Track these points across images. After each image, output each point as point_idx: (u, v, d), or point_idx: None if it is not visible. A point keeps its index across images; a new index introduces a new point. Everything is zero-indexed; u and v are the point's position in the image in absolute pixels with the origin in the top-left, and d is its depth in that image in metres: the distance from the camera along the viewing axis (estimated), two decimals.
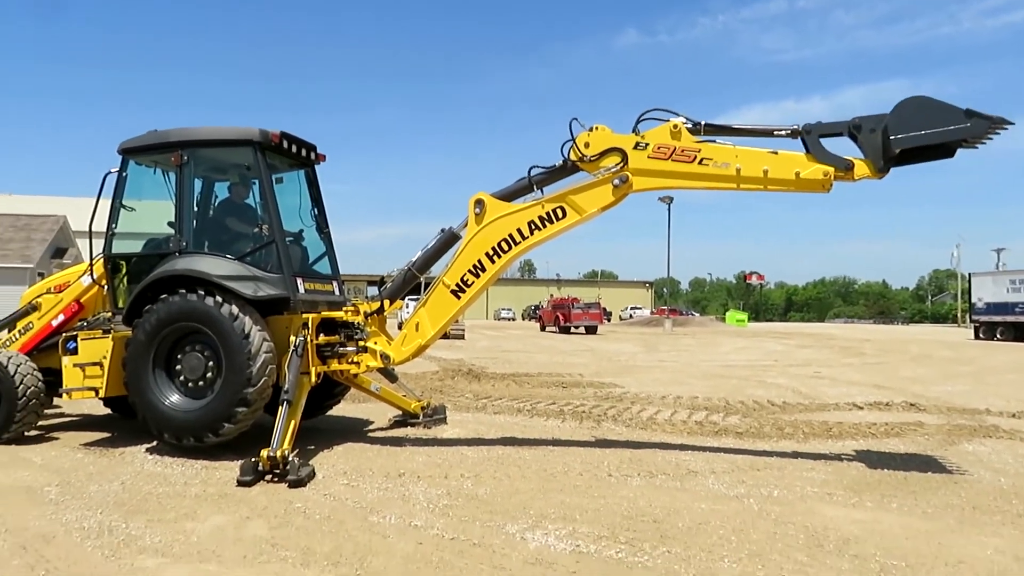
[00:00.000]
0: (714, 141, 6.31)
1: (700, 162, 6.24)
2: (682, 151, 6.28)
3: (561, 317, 41.21)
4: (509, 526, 4.77)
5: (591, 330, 40.73)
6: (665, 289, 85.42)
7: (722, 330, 50.29)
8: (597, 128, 6.60)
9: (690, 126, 6.33)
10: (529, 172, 6.87)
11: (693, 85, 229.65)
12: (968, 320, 41.54)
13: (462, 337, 30.09)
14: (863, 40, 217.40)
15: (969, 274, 43.74)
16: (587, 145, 6.57)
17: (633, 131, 6.54)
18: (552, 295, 51.48)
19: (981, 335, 38.51)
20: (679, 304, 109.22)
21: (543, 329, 44.13)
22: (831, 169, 6.01)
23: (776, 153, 6.17)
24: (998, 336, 37.15)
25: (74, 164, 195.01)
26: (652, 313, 72.17)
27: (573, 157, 6.62)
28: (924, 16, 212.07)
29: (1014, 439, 8.18)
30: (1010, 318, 36.97)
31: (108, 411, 8.82)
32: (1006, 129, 5.70)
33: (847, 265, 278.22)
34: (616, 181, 6.50)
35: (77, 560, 4.09)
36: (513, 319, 78.08)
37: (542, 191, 6.88)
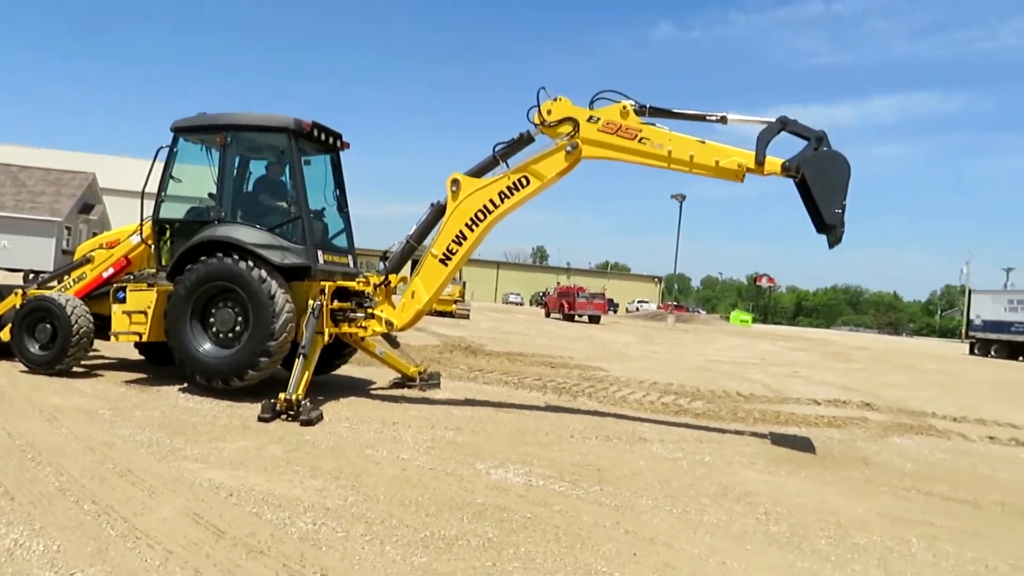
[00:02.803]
0: (654, 124, 7.37)
1: (640, 140, 7.34)
2: (626, 129, 7.37)
3: (566, 305, 42.28)
4: (478, 464, 5.87)
5: (594, 319, 41.78)
6: (675, 285, 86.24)
7: (724, 329, 51.15)
8: (559, 99, 7.67)
9: (637, 108, 7.42)
10: (494, 148, 7.98)
11: (724, 82, 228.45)
12: (964, 336, 42.20)
13: (467, 317, 31.21)
14: (898, 49, 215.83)
15: (969, 291, 44.48)
16: (549, 112, 7.63)
17: (589, 106, 7.62)
18: (559, 283, 52.42)
19: (976, 351, 39.32)
20: (688, 301, 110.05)
21: (548, 315, 45.22)
22: (747, 162, 7.07)
23: (703, 143, 7.27)
24: (992, 353, 37.93)
25: (107, 121, 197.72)
26: (658, 308, 73.02)
27: (536, 121, 7.68)
28: (963, 29, 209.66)
29: (940, 437, 9.20)
30: (1005, 336, 37.74)
31: (141, 358, 10.01)
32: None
33: (860, 273, 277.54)
34: (568, 148, 7.59)
35: (135, 461, 5.21)
36: (521, 304, 79.14)
37: (507, 164, 7.98)
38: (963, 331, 42.51)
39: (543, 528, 4.43)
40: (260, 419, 6.84)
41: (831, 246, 7.16)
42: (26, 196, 33.66)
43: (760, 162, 7.07)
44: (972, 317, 40.57)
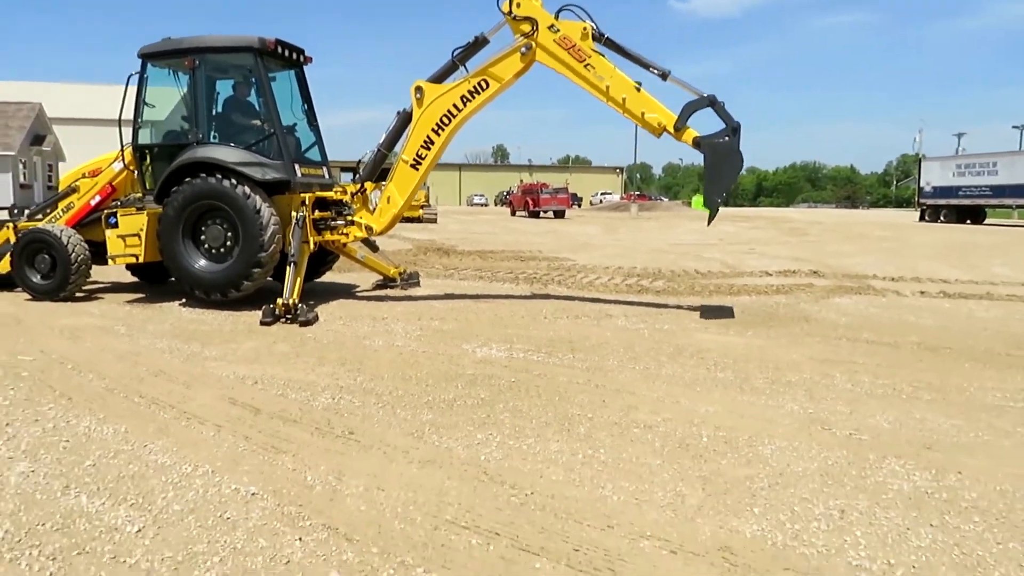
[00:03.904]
0: (604, 55, 7.88)
1: (586, 66, 7.85)
2: (578, 50, 7.86)
3: (530, 202, 42.86)
4: (464, 345, 6.65)
5: (559, 214, 42.49)
6: (637, 175, 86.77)
7: (687, 214, 52.12)
8: None
9: (595, 33, 7.88)
10: (452, 53, 8.41)
11: None
12: (917, 204, 43.71)
13: (434, 221, 31.68)
14: None
15: (920, 159, 45.75)
16: (518, 5, 8.04)
17: (555, 16, 8.03)
18: (522, 181, 52.73)
19: (927, 218, 40.88)
20: (651, 190, 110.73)
21: (513, 214, 45.75)
22: (667, 123, 7.72)
23: (639, 90, 7.83)
24: (942, 219, 39.52)
25: (50, 50, 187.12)
26: (621, 199, 73.79)
27: (504, 9, 8.08)
28: None
29: (878, 295, 10.20)
30: (953, 201, 39.26)
31: (134, 280, 10.53)
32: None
33: (818, 150, 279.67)
34: (523, 49, 8.09)
35: (163, 364, 5.90)
36: (486, 205, 79.37)
37: (466, 68, 8.45)
38: (916, 200, 43.98)
39: (526, 388, 5.25)
40: (262, 323, 7.51)
41: (708, 223, 8.37)
42: None
43: (678, 128, 7.73)
44: (923, 184, 41.95)
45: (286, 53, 8.81)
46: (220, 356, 6.16)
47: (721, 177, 7.76)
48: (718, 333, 7.39)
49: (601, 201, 77.70)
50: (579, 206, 68.97)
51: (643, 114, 7.82)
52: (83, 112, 45.57)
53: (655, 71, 7.88)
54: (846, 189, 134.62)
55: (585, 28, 7.89)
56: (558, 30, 7.92)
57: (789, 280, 11.74)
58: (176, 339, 6.82)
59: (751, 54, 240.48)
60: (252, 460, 3.81)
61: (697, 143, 7.75)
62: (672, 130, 7.77)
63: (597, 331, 7.39)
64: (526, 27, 8.00)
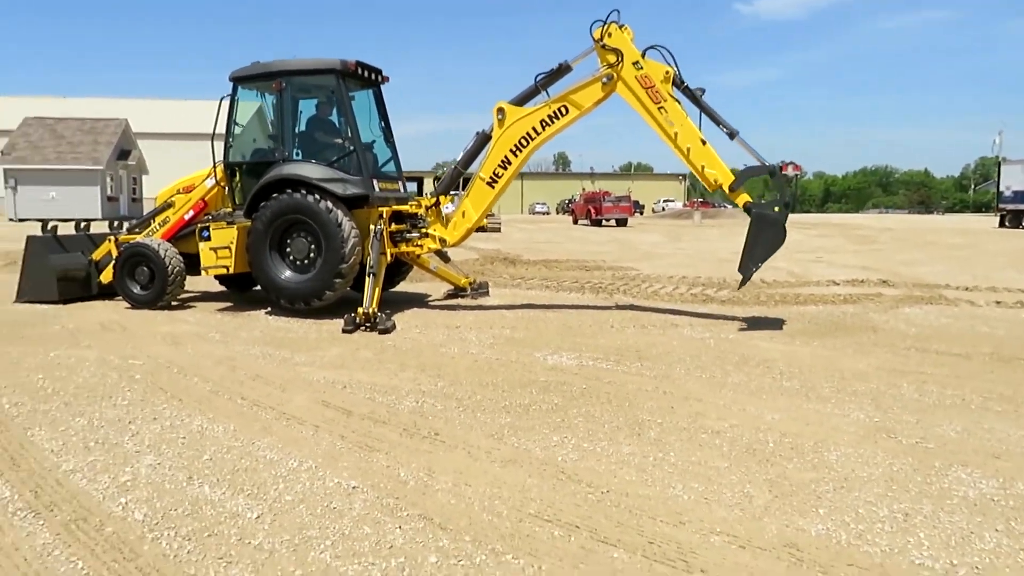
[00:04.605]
0: (680, 102, 8.12)
1: (660, 108, 8.10)
2: (656, 91, 8.10)
3: (592, 210, 42.99)
4: (536, 353, 6.95)
5: (621, 222, 42.49)
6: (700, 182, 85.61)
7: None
8: (625, 28, 8.34)
9: (676, 79, 8.13)
10: (536, 78, 8.75)
11: None
12: (996, 209, 42.11)
13: (498, 230, 32.14)
14: None
15: (1000, 161, 44.04)
16: (610, 35, 8.32)
17: (642, 53, 8.29)
18: (584, 189, 52.89)
19: (1007, 224, 39.33)
20: (714, 197, 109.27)
21: (575, 222, 45.98)
22: (724, 182, 7.98)
23: (704, 143, 8.08)
24: (1023, 225, 38.03)
25: (135, 66, 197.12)
26: (684, 206, 73.15)
27: (595, 35, 8.37)
28: None
29: (950, 305, 10.09)
30: None
31: (221, 290, 11.20)
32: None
33: (889, 154, 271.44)
34: (604, 79, 8.35)
35: (259, 368, 6.37)
36: (547, 213, 79.70)
37: (548, 93, 8.77)
38: (995, 204, 42.38)
39: (597, 395, 5.51)
40: (344, 331, 7.96)
41: (739, 287, 8.71)
42: (66, 147, 34.81)
43: (733, 189, 8.01)
44: (1002, 189, 40.38)
45: (365, 74, 9.31)
46: (309, 362, 6.61)
47: (761, 247, 8.00)
48: (784, 343, 7.50)
49: (664, 208, 77.18)
50: (641, 213, 68.69)
51: (703, 168, 8.08)
52: (165, 127, 47.84)
53: (724, 129, 8.11)
54: (920, 194, 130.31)
55: (668, 72, 8.13)
56: (642, 68, 8.17)
57: (857, 289, 11.67)
58: (267, 346, 7.31)
59: (817, 56, 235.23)
60: (349, 457, 4.18)
61: (748, 209, 8.00)
62: (727, 189, 8.06)
63: (663, 340, 7.59)
64: (612, 58, 8.28)
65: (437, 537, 3.20)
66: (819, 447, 4.36)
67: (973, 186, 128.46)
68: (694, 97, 8.23)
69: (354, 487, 3.74)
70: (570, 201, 63.80)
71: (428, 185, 72.99)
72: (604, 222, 42.55)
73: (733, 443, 4.43)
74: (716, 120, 8.15)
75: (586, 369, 6.33)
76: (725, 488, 3.75)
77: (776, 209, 7.93)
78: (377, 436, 4.56)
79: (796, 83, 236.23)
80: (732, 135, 8.10)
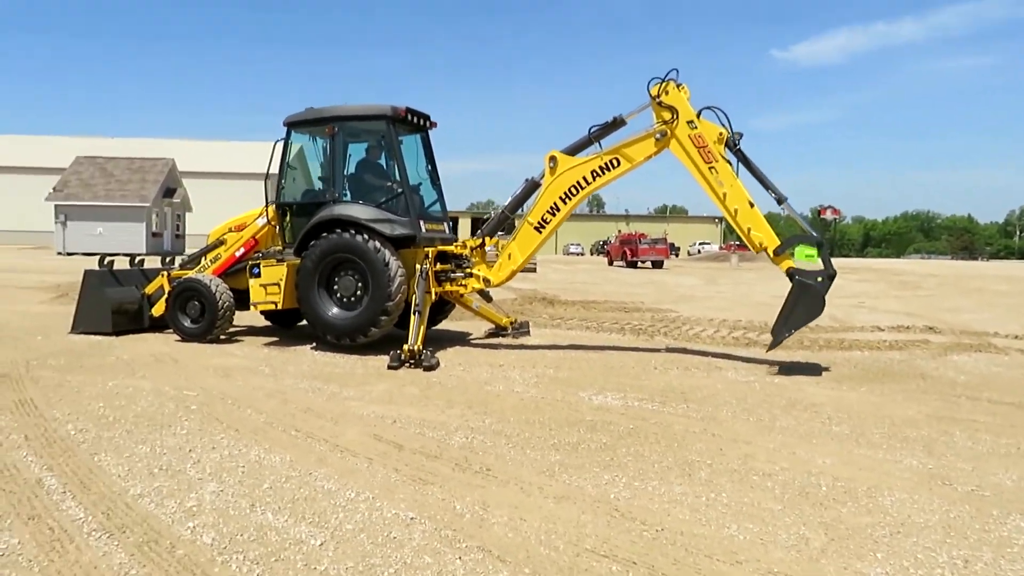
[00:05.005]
0: (731, 163, 8.27)
1: (711, 168, 8.24)
2: (709, 151, 8.26)
3: (628, 252, 43.02)
4: (580, 392, 7.00)
5: (657, 264, 42.43)
6: None
7: None
8: (683, 87, 8.52)
9: (729, 141, 8.28)
10: (589, 130, 8.94)
11: (776, 6, 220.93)
12: None
13: (534, 271, 32.31)
14: None
15: None
16: (667, 92, 8.49)
17: (697, 113, 8.44)
18: (620, 231, 53.02)
19: None
20: None
21: (611, 264, 46.02)
22: (769, 245, 8.08)
23: (752, 206, 8.19)
24: None
25: (182, 106, 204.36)
26: (720, 249, 72.81)
27: (652, 92, 8.54)
28: None
29: (999, 353, 9.92)
30: None
31: (267, 324, 11.45)
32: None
33: (931, 199, 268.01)
34: (658, 135, 8.49)
35: (309, 402, 6.51)
36: (582, 254, 79.93)
37: (600, 144, 8.95)
38: None
39: (644, 435, 5.54)
40: (390, 367, 8.10)
41: (767, 349, 8.58)
42: (115, 185, 36.02)
43: (778, 254, 8.11)
44: None
45: (414, 119, 9.60)
46: (358, 396, 6.74)
47: (798, 315, 8.00)
48: (831, 388, 7.45)
49: (699, 251, 76.92)
50: (676, 256, 68.52)
51: (749, 230, 8.18)
52: (210, 166, 49.29)
53: (773, 194, 8.25)
54: (963, 239, 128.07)
55: (721, 133, 8.29)
56: (696, 127, 8.33)
57: (903, 336, 11.53)
58: (316, 380, 7.47)
59: (857, 100, 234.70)
60: (405, 489, 4.26)
61: (791, 275, 8.05)
62: (771, 253, 8.15)
63: (708, 382, 7.59)
64: (667, 115, 8.45)
65: (497, 569, 3.26)
66: (873, 492, 4.34)
67: (1018, 232, 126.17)
68: (745, 159, 8.36)
69: (412, 518, 3.82)
70: (605, 243, 63.99)
71: (463, 226, 73.99)
72: (640, 264, 42.54)
73: (785, 486, 4.43)
74: (765, 184, 8.27)
75: (632, 409, 6.36)
76: (780, 530, 3.75)
77: (819, 280, 7.95)
78: (430, 470, 4.64)
79: (836, 127, 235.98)
80: (780, 200, 8.23)
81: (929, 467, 4.86)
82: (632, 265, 42.48)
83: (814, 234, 8.13)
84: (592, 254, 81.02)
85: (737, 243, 68.20)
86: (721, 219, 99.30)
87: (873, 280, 30.09)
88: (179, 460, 4.75)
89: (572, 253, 79.58)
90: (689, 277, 31.67)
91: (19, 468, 4.55)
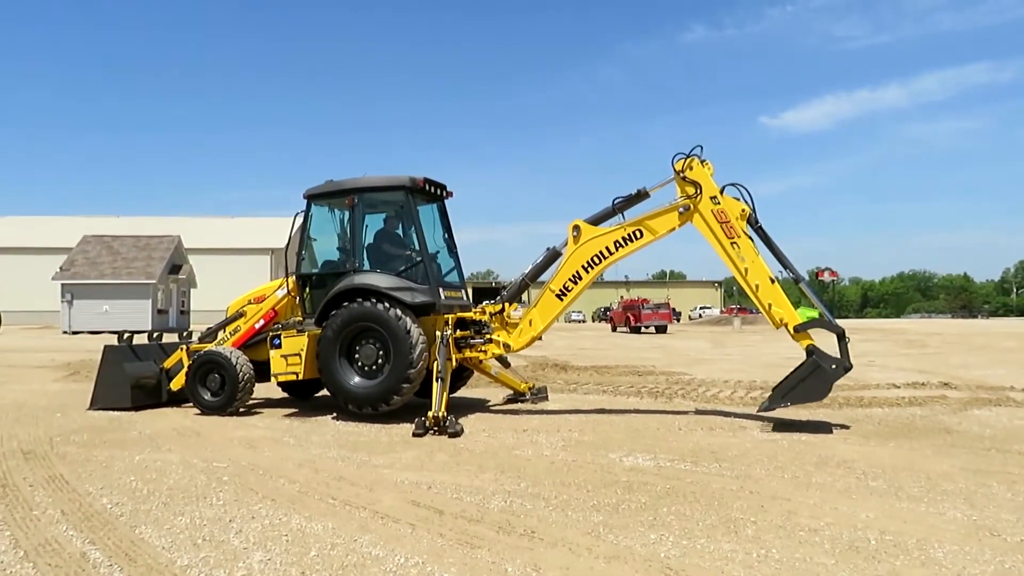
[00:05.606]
0: (752, 239, 8.51)
1: (733, 244, 8.46)
2: (731, 227, 8.49)
3: (632, 317, 43.14)
4: (611, 454, 6.98)
5: (661, 329, 42.49)
6: (735, 288, 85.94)
7: None
8: (707, 163, 8.77)
9: (751, 218, 8.55)
10: (613, 202, 9.13)
11: (762, 77, 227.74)
12: None
13: (540, 338, 32.31)
14: (942, 23, 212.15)
15: None
16: (691, 168, 8.72)
17: (721, 189, 8.68)
18: (622, 297, 53.26)
19: None
20: (749, 303, 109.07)
21: (614, 329, 46.10)
22: (790, 322, 8.27)
23: (773, 283, 8.43)
24: None
25: (187, 184, 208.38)
26: (721, 312, 72.99)
27: (676, 167, 8.76)
28: None
29: (1020, 407, 9.92)
30: None
31: (283, 395, 11.43)
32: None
33: (927, 259, 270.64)
34: (681, 209, 8.68)
35: (340, 470, 6.48)
36: (583, 321, 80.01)
37: (623, 216, 9.12)
38: None
39: (682, 494, 5.51)
40: (415, 435, 8.08)
41: (759, 409, 8.66)
42: (121, 263, 36.35)
43: (798, 331, 8.29)
44: None
45: (431, 189, 9.83)
46: (388, 464, 6.71)
47: (801, 393, 8.20)
48: (859, 444, 7.43)
49: (701, 315, 77.07)
50: (678, 320, 68.63)
51: (770, 306, 8.37)
52: (215, 242, 49.82)
53: (790, 273, 8.50)
54: (961, 298, 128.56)
55: (744, 210, 8.54)
56: (719, 202, 8.57)
57: (920, 392, 11.52)
58: (342, 448, 7.44)
59: (848, 164, 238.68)
60: (453, 554, 4.23)
61: (809, 352, 8.21)
62: (791, 330, 8.29)
63: (736, 442, 7.57)
64: (691, 189, 8.68)
65: None
66: (923, 545, 4.31)
67: (1015, 289, 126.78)
68: (766, 237, 8.56)
69: None
70: (607, 309, 64.22)
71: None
72: (644, 329, 42.60)
73: (834, 541, 4.40)
74: (784, 263, 8.48)
75: (665, 470, 6.34)
76: None
77: (833, 367, 8.05)
78: (474, 534, 4.61)
79: (829, 190, 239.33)
80: (797, 280, 8.47)
81: (973, 519, 4.83)
82: (636, 331, 42.54)
83: (834, 322, 8.25)
84: (594, 320, 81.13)
85: (738, 306, 68.47)
86: (720, 283, 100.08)
87: (878, 339, 30.15)
88: (221, 530, 4.72)
89: (574, 320, 79.72)
90: (695, 340, 31.69)
91: (61, 543, 4.52)
